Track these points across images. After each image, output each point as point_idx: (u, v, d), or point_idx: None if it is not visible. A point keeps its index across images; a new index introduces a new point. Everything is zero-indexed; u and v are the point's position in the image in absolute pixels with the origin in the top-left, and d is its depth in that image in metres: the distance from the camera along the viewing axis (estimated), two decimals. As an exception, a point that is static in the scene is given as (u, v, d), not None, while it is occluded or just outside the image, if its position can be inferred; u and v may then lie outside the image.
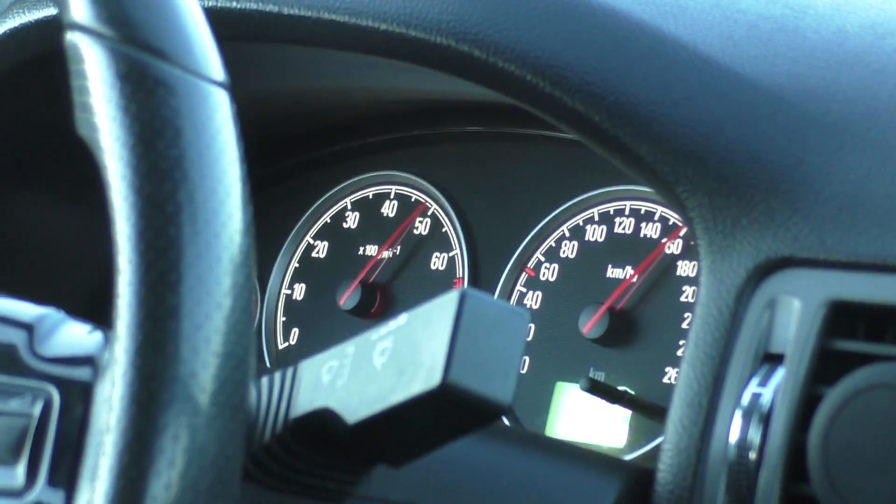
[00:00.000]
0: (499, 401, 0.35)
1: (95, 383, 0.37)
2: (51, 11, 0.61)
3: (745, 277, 0.46)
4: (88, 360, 0.39)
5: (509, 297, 0.64)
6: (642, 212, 0.63)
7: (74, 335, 0.39)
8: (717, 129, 0.47)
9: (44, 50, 0.58)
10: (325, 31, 0.57)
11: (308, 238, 0.69)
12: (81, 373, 0.38)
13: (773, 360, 0.46)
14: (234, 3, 0.58)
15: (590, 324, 0.59)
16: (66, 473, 0.37)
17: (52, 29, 0.59)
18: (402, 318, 0.36)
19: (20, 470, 0.37)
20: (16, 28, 0.63)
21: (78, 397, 0.38)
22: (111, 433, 0.32)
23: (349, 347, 0.38)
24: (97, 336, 0.38)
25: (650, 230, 0.62)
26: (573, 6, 0.52)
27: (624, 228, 0.63)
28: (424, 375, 0.35)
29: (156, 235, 0.32)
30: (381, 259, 0.68)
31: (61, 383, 0.39)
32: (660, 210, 0.62)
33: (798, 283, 0.46)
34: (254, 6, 0.58)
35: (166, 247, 0.32)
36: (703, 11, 0.52)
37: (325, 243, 0.69)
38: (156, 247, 0.32)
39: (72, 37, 0.34)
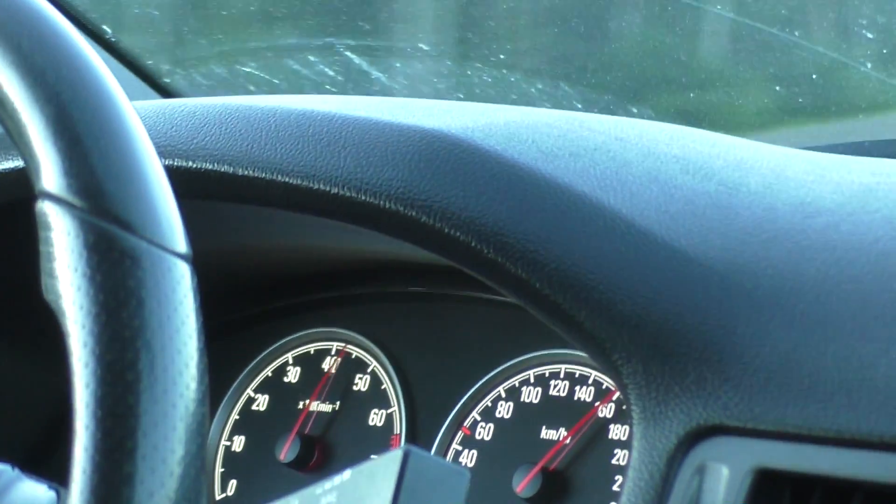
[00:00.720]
0: None
1: None
2: (11, 165, 0.61)
3: (675, 443, 0.47)
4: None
5: (445, 455, 0.62)
6: (577, 375, 0.62)
7: (29, 494, 0.39)
8: (653, 299, 0.48)
9: (5, 201, 0.57)
10: (276, 192, 0.57)
11: (249, 391, 0.68)
12: None
13: None
14: (190, 163, 0.58)
15: (523, 483, 0.59)
16: None
17: (13, 182, 0.59)
18: (347, 474, 0.36)
19: None
20: None
21: None
22: None
23: (294, 501, 0.37)
24: (51, 496, 0.39)
25: (584, 393, 0.62)
26: (518, 178, 0.53)
27: (559, 391, 0.62)
28: None
29: (115, 403, 0.32)
30: (321, 413, 0.67)
31: None
32: (593, 374, 0.62)
33: (726, 450, 0.47)
34: (208, 166, 0.59)
35: (124, 414, 0.32)
36: (641, 186, 0.54)
37: (266, 396, 0.68)
38: (114, 414, 0.32)
39: (42, 205, 0.34)
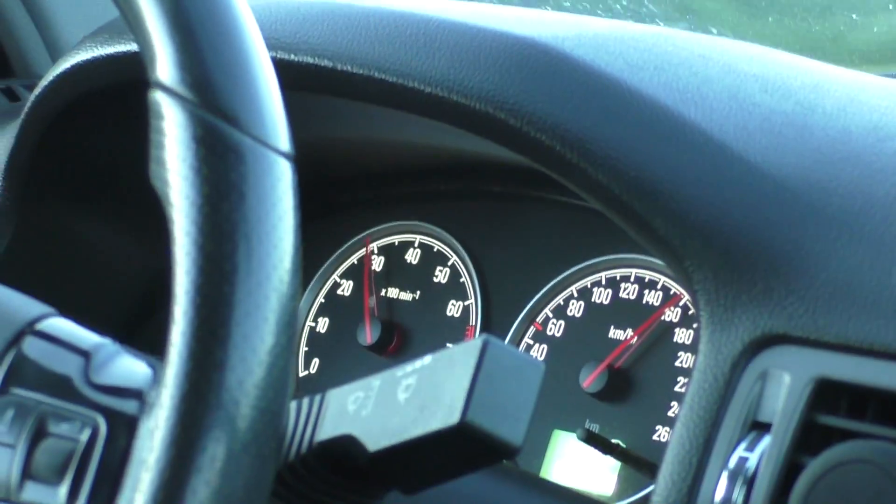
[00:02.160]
0: (511, 443, 0.36)
1: (140, 419, 0.39)
2: (123, 48, 0.64)
3: (741, 349, 0.48)
4: (137, 395, 0.40)
5: (517, 348, 0.66)
6: (646, 280, 0.64)
7: (127, 368, 0.41)
8: (727, 211, 0.49)
9: (116, 82, 0.60)
10: (373, 88, 0.59)
11: (335, 276, 0.71)
12: (129, 406, 0.39)
13: (760, 427, 0.47)
14: (293, 56, 0.60)
15: (590, 379, 0.61)
16: (105, 501, 0.38)
17: (125, 64, 0.62)
18: (427, 359, 0.37)
19: (63, 491, 0.39)
20: (91, 59, 0.66)
21: (123, 429, 0.39)
22: (149, 471, 0.33)
23: (375, 381, 0.39)
24: (148, 372, 0.40)
25: (652, 297, 0.64)
26: (603, 88, 0.53)
27: (628, 294, 0.64)
28: (444, 413, 0.36)
29: (211, 291, 0.34)
30: (402, 301, 0.70)
31: (109, 414, 0.40)
32: (662, 279, 0.64)
33: (789, 358, 0.47)
34: (309, 60, 0.60)
35: (219, 303, 0.34)
36: (721, 101, 0.54)
37: (350, 282, 0.71)
38: (210, 303, 0.34)
39: (154, 94, 0.35)
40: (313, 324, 0.73)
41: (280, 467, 0.38)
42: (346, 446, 0.40)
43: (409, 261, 0.70)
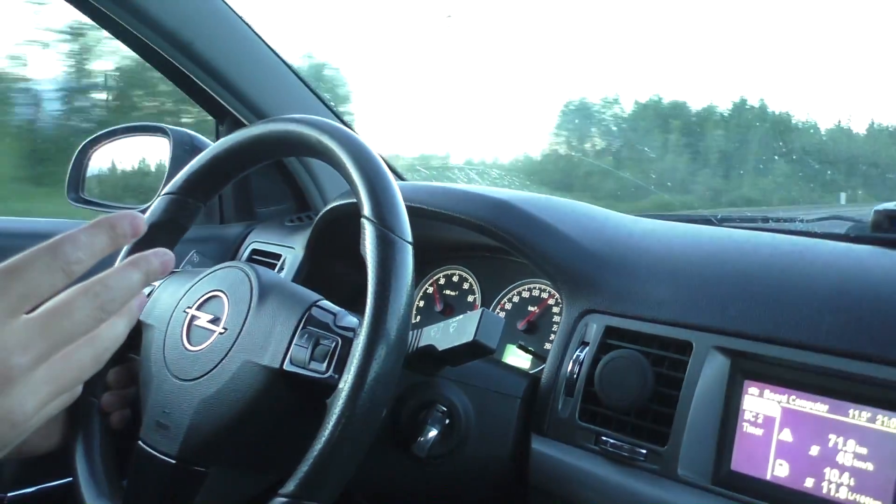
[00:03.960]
0: (491, 347, 0.69)
1: (354, 339, 0.66)
2: (353, 200, 1.09)
3: (577, 315, 0.84)
4: (352, 330, 0.70)
5: (494, 313, 0.83)
6: (543, 288, 1.05)
7: (349, 320, 0.70)
8: (575, 267, 0.85)
9: (352, 212, 0.79)
10: (445, 218, 0.96)
11: (426, 285, 1.17)
12: (349, 333, 0.69)
13: (585, 344, 0.82)
14: (409, 203, 0.77)
15: (521, 324, 1.02)
16: (341, 370, 0.66)
17: (354, 206, 1.01)
18: (461, 316, 0.69)
19: (325, 366, 0.67)
20: (340, 204, 1.06)
21: (347, 342, 0.68)
22: (356, 357, 0.62)
23: (440, 324, 0.71)
24: (357, 321, 0.69)
25: (545, 295, 1.05)
26: (541, 224, 0.90)
27: (536, 293, 1.05)
28: (467, 336, 0.68)
29: (381, 293, 0.63)
30: (451, 295, 1.15)
31: (342, 336, 0.69)
32: (549, 289, 1.03)
33: (597, 319, 0.82)
34: (415, 204, 0.98)
35: (383, 297, 0.63)
36: (576, 225, 0.91)
37: (432, 287, 1.17)
38: (379, 298, 0.62)
39: (363, 219, 0.66)
40: (420, 303, 1.17)
41: (404, 357, 0.66)
42: (429, 348, 0.71)
43: (453, 280, 1.15)
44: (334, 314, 0.72)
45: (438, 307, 1.15)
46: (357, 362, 0.62)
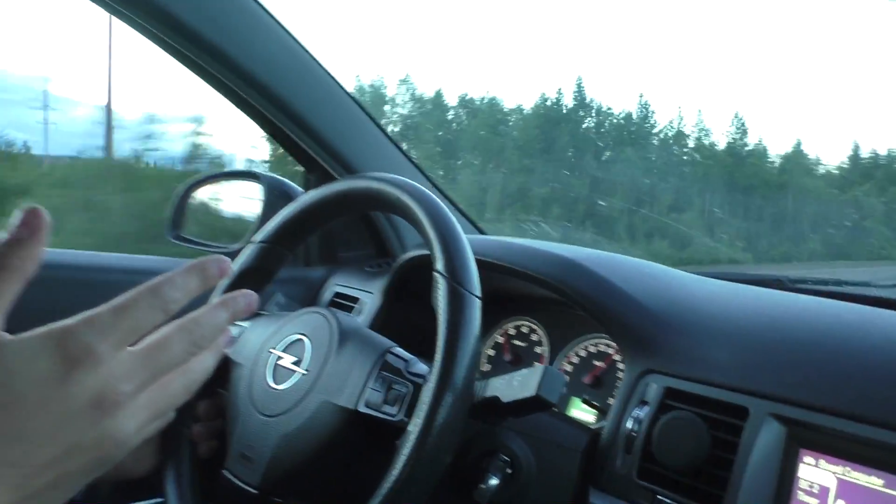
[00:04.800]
0: (552, 402, 0.70)
1: (424, 385, 0.71)
2: (427, 252, 1.12)
3: (638, 373, 0.86)
4: (422, 376, 0.74)
5: (556, 369, 0.94)
6: (607, 344, 1.07)
7: (419, 367, 0.75)
8: (636, 326, 0.88)
9: (426, 265, 0.77)
10: (515, 273, 1.03)
11: (496, 335, 1.22)
12: (420, 379, 0.73)
13: (645, 403, 0.83)
14: (482, 258, 0.96)
15: (588, 378, 1.07)
16: (410, 413, 0.70)
17: (427, 259, 0.86)
18: (525, 370, 0.71)
19: (396, 409, 0.72)
20: (416, 255, 1.13)
21: (418, 388, 0.72)
22: (425, 403, 0.67)
23: (507, 376, 0.73)
24: (427, 369, 0.73)
25: (610, 350, 1.07)
26: (603, 282, 0.94)
27: (598, 349, 1.08)
28: (529, 390, 0.70)
29: (450, 340, 0.68)
30: (520, 345, 1.19)
31: (415, 384, 0.73)
32: (613, 346, 1.06)
33: (656, 378, 0.84)
34: (488, 259, 1.05)
35: (453, 344, 0.68)
36: (637, 283, 0.96)
37: (502, 338, 1.21)
38: (450, 342, 0.68)
39: (435, 273, 0.71)
40: (490, 352, 1.21)
41: (470, 405, 0.70)
42: (493, 399, 0.73)
43: (523, 331, 1.19)
44: (406, 361, 0.76)
45: (507, 357, 1.18)
46: (426, 408, 0.68)
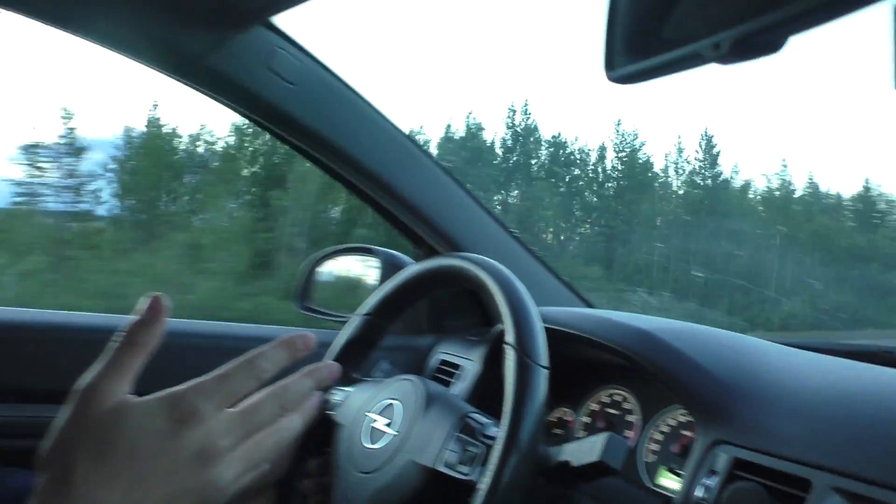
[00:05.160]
0: (616, 468, 0.76)
1: (492, 449, 0.77)
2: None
3: (710, 443, 0.89)
4: (492, 438, 0.79)
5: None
6: (686, 417, 1.04)
7: (492, 429, 0.81)
8: (709, 398, 0.91)
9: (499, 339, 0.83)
10: (590, 343, 1.09)
11: (591, 405, 1.30)
12: (490, 440, 0.80)
13: (714, 472, 0.85)
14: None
15: (676, 447, 1.09)
16: (482, 472, 0.76)
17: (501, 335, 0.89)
18: (594, 437, 0.78)
19: (470, 469, 0.78)
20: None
21: (489, 448, 0.78)
22: (492, 464, 0.74)
23: (579, 441, 0.79)
24: (497, 431, 0.79)
25: (686, 421, 1.01)
26: (681, 357, 0.97)
27: (680, 420, 1.07)
28: (594, 455, 0.76)
29: (517, 408, 0.75)
30: (609, 413, 1.23)
31: (487, 446, 0.80)
32: (687, 417, 1.02)
33: (725, 448, 0.87)
34: (566, 330, 1.13)
35: (518, 412, 0.75)
36: (714, 357, 1.01)
37: (591, 408, 1.27)
38: (516, 410, 0.75)
39: (505, 345, 0.79)
40: (585, 419, 1.25)
41: (536, 469, 0.77)
42: (565, 463, 0.79)
43: (616, 399, 1.21)
44: (482, 424, 0.83)
45: (601, 425, 1.22)
46: (493, 467, 0.75)
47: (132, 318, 0.63)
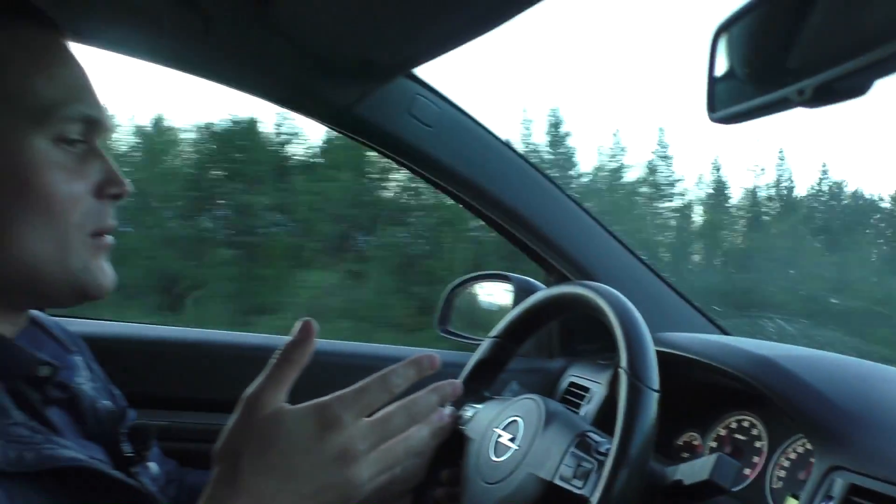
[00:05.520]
0: (726, 488, 0.80)
1: (606, 461, 0.82)
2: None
3: (826, 469, 0.91)
4: (605, 454, 0.84)
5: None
6: (807, 445, 1.05)
7: (604, 445, 0.87)
8: (828, 427, 0.94)
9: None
10: (717, 370, 1.16)
11: (718, 430, 1.32)
12: (602, 457, 0.85)
13: (830, 498, 0.88)
14: (683, 354, 1.21)
15: (803, 474, 1.07)
16: (594, 487, 0.82)
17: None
18: (706, 457, 0.82)
19: (582, 483, 0.84)
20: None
21: (601, 463, 0.84)
22: (603, 479, 0.79)
23: (693, 461, 0.84)
24: (610, 448, 0.84)
25: (806, 447, 1.02)
26: (805, 387, 1.00)
27: (802, 446, 1.03)
28: (704, 474, 0.81)
29: (625, 443, 0.79)
30: (737, 438, 1.24)
31: (600, 462, 0.85)
32: (805, 444, 1.03)
33: (842, 474, 0.88)
34: (687, 355, 1.22)
35: (629, 430, 0.80)
36: (830, 384, 1.03)
37: (717, 433, 1.30)
38: (626, 428, 0.80)
39: (619, 370, 0.85)
40: (713, 444, 1.26)
41: (651, 488, 0.83)
42: (678, 482, 0.84)
43: (743, 425, 1.24)
44: (597, 442, 0.88)
45: (727, 450, 1.24)
46: (604, 482, 0.80)
47: (287, 338, 0.74)
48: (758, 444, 1.22)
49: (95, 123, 0.76)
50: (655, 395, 0.84)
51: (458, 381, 0.84)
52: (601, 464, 0.85)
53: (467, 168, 1.41)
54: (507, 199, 1.45)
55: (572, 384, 1.48)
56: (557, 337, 1.65)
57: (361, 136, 1.34)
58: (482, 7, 0.95)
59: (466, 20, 1.01)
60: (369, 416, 0.74)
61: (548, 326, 1.53)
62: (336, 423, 0.69)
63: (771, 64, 0.65)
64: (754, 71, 0.67)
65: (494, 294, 1.82)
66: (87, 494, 0.71)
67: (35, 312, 0.87)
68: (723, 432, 1.27)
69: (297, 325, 0.74)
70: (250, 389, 0.72)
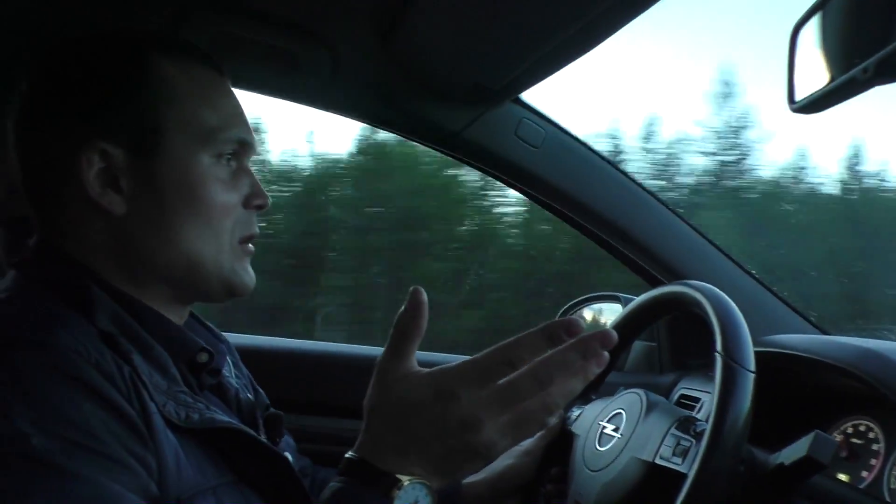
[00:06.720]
0: (824, 464, 0.84)
1: (700, 442, 0.87)
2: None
3: None
4: (701, 436, 0.90)
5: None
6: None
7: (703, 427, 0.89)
8: None
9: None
10: (819, 363, 1.17)
11: (835, 434, 1.29)
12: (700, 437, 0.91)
13: None
14: (788, 350, 1.26)
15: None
16: (691, 463, 0.87)
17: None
18: (803, 438, 0.87)
19: (680, 460, 0.91)
20: None
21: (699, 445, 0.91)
22: (699, 455, 0.85)
23: (789, 447, 0.88)
24: (705, 425, 0.91)
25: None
26: None
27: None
28: (802, 451, 0.85)
29: (720, 421, 0.84)
30: (855, 443, 1.24)
31: (696, 440, 0.93)
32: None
33: None
34: (790, 351, 1.21)
35: (721, 426, 0.84)
36: None
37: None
38: (719, 427, 0.84)
39: (716, 353, 0.88)
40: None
41: (753, 473, 0.88)
42: (780, 465, 0.87)
43: (860, 429, 1.24)
44: (696, 423, 0.93)
45: (843, 453, 1.23)
46: (700, 457, 0.84)
47: (400, 310, 0.77)
48: (874, 447, 1.21)
49: (247, 145, 0.86)
50: (751, 376, 0.86)
51: (612, 331, 0.72)
52: (700, 440, 0.89)
53: (571, 184, 1.46)
54: (610, 215, 1.50)
55: (683, 395, 1.49)
56: (667, 352, 1.66)
57: (471, 158, 1.43)
58: (582, 26, 1.01)
59: (568, 41, 1.07)
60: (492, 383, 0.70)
61: (658, 342, 1.63)
62: (451, 395, 0.69)
63: (840, 51, 0.71)
64: (827, 59, 0.71)
65: (604, 314, 1.86)
66: (238, 455, 0.79)
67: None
68: (839, 437, 1.25)
69: (408, 296, 0.75)
70: (380, 357, 0.75)
